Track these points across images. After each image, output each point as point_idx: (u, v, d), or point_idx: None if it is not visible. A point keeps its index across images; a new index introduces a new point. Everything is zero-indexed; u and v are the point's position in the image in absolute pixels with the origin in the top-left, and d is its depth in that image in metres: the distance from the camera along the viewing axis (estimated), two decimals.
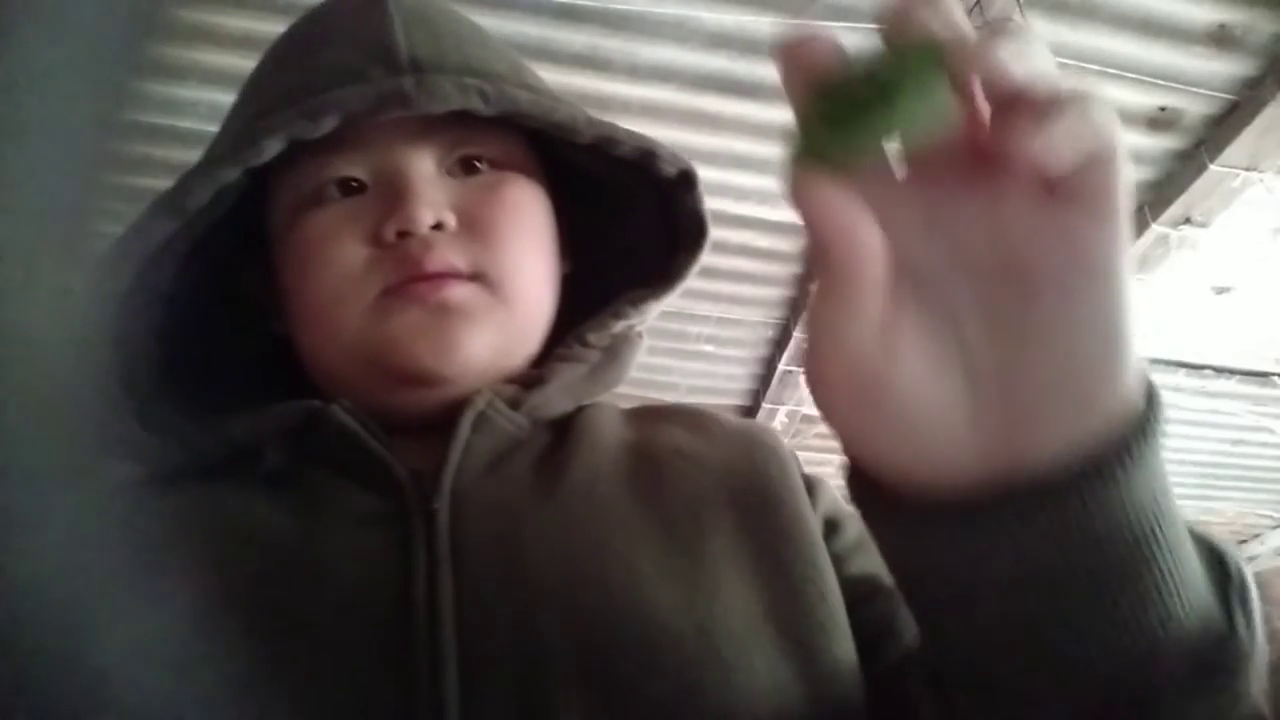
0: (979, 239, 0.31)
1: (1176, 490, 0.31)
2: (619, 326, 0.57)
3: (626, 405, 0.58)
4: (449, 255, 0.50)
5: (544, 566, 0.44)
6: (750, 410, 2.88)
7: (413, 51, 0.51)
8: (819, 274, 0.30)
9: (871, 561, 0.51)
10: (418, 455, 0.47)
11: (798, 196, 0.29)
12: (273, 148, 0.49)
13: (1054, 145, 0.27)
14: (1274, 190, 1.92)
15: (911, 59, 0.28)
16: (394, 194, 0.50)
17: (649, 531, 0.46)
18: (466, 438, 0.48)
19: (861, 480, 0.34)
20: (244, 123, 0.52)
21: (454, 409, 0.49)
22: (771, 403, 2.78)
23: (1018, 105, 0.28)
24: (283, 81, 0.52)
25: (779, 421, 2.80)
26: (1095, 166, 0.28)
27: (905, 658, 0.47)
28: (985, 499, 0.30)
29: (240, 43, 1.70)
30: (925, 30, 0.28)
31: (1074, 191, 0.29)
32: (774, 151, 1.97)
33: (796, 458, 0.54)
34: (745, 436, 0.54)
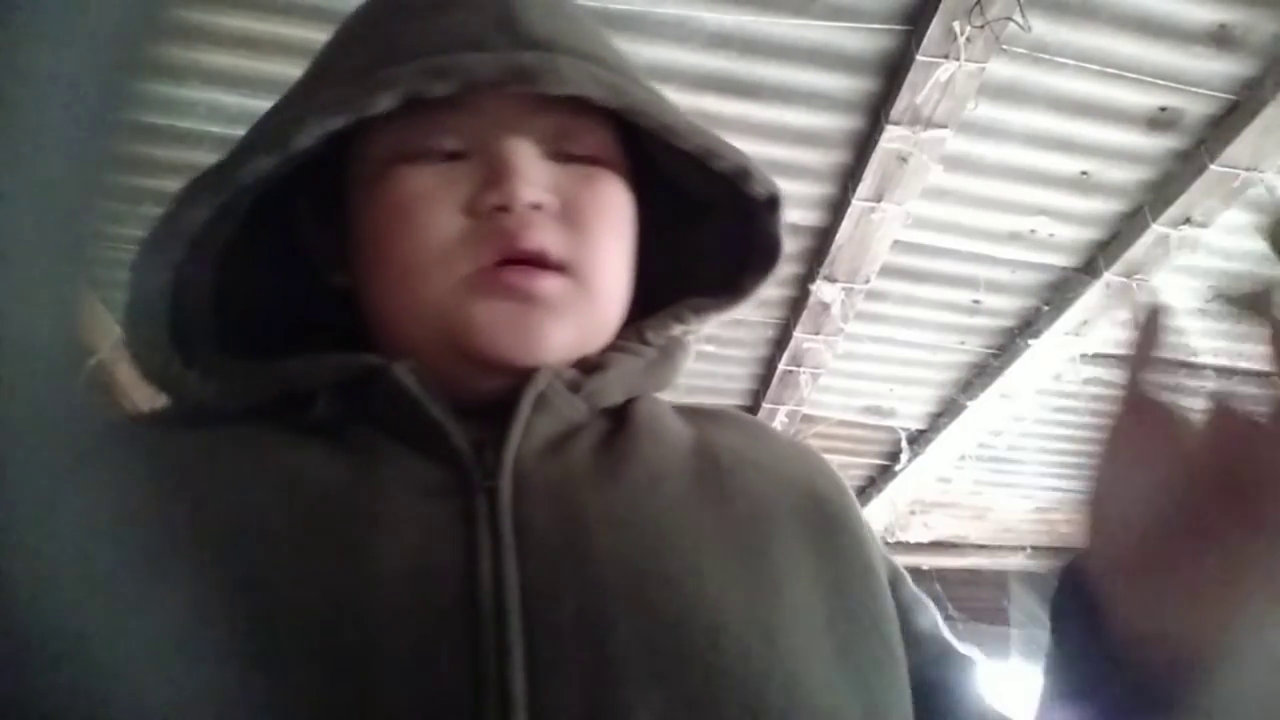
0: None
1: None
2: (677, 329, 0.57)
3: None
4: (543, 236, 0.49)
5: (610, 558, 0.43)
6: (750, 410, 2.87)
7: (533, 28, 0.51)
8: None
9: (931, 621, 0.52)
10: (473, 429, 0.46)
11: None
12: (387, 101, 0.48)
13: None
14: (1274, 190, 1.91)
15: None
16: (496, 167, 0.50)
17: (714, 534, 0.46)
18: (527, 416, 0.47)
19: (1081, 598, 0.38)
20: (351, 73, 0.51)
21: (513, 388, 0.49)
22: (771, 403, 2.78)
23: None
24: (399, 37, 0.51)
25: (779, 421, 2.80)
26: None
27: None
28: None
29: (240, 43, 1.70)
30: None
31: None
32: (774, 152, 1.97)
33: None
34: (802, 455, 0.54)
